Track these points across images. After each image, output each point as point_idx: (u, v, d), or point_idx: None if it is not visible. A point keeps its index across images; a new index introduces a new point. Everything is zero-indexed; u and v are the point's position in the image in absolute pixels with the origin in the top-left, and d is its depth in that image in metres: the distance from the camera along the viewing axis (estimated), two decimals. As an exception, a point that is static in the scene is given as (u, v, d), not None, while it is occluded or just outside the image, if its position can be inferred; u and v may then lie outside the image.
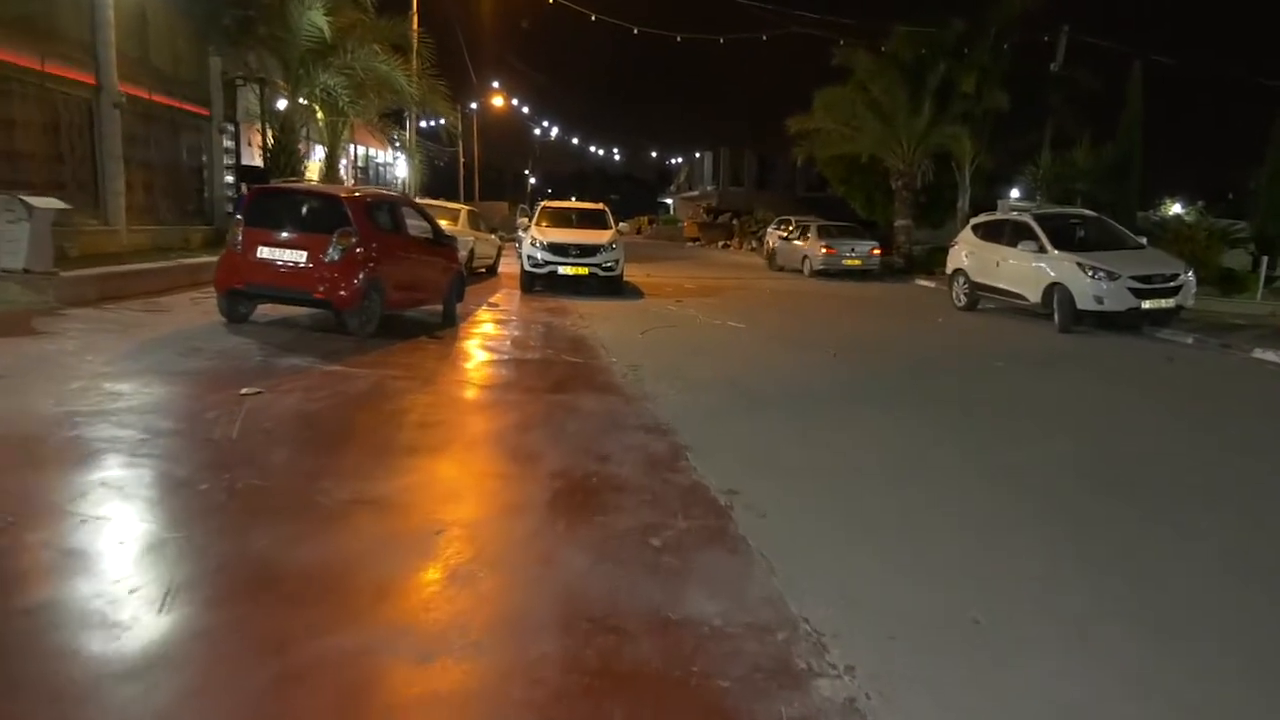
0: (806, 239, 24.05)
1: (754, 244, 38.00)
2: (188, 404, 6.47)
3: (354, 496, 4.70)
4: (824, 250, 22.93)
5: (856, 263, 22.86)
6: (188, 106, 16.79)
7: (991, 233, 15.68)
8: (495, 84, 49.54)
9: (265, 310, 10.46)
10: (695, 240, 46.22)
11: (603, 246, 16.54)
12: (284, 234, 9.50)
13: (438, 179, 49.52)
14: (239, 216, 9.84)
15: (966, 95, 22.25)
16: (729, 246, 41.03)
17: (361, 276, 9.50)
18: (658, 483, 5.31)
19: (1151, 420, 8.12)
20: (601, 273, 16.48)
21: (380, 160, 36.13)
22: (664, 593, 3.74)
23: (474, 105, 46.62)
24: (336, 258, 9.38)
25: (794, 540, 4.48)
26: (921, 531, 4.76)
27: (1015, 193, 25.97)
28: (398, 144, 33.97)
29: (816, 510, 5.06)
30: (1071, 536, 4.77)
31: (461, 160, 48.07)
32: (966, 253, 16.16)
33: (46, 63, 12.67)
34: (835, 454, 6.33)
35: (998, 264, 15.08)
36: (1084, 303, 13.11)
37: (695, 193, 64.98)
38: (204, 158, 17.73)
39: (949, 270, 16.96)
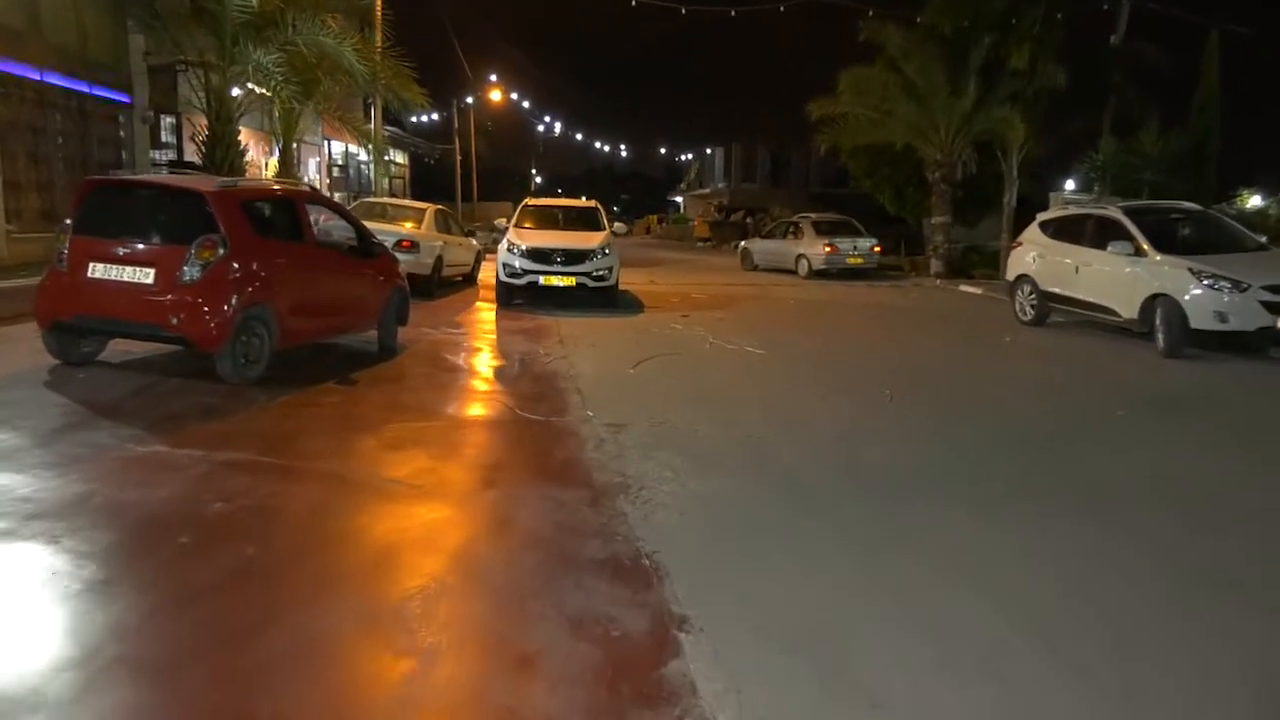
0: (799, 236, 22.53)
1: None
2: None
3: None
4: (826, 249, 21.39)
5: (859, 260, 21.59)
6: (99, 92, 14.13)
7: (1067, 230, 12.81)
8: (494, 77, 46.89)
9: (132, 345, 7.74)
10: (706, 240, 43.33)
11: (593, 252, 13.78)
12: (124, 245, 6.79)
13: (431, 177, 47.00)
14: (67, 221, 7.14)
15: (1016, 72, 19.34)
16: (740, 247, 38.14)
17: (233, 302, 6.79)
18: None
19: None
20: (591, 283, 13.72)
21: (365, 159, 33.45)
22: None
23: (470, 100, 43.96)
24: (195, 277, 6.66)
25: None
26: None
27: (1070, 184, 23.07)
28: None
29: None
30: None
31: (458, 158, 45.43)
32: (1034, 255, 13.29)
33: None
34: (974, 649, 3.53)
35: (1077, 270, 12.21)
36: (1200, 320, 10.24)
37: (706, 190, 62.11)
38: (123, 153, 15.07)
39: (1009, 276, 14.10)
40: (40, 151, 12.49)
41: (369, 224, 14.20)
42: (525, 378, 8.46)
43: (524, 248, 13.71)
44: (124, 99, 14.89)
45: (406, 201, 17.32)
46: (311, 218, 8.31)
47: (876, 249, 22.22)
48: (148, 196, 7.14)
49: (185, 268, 6.65)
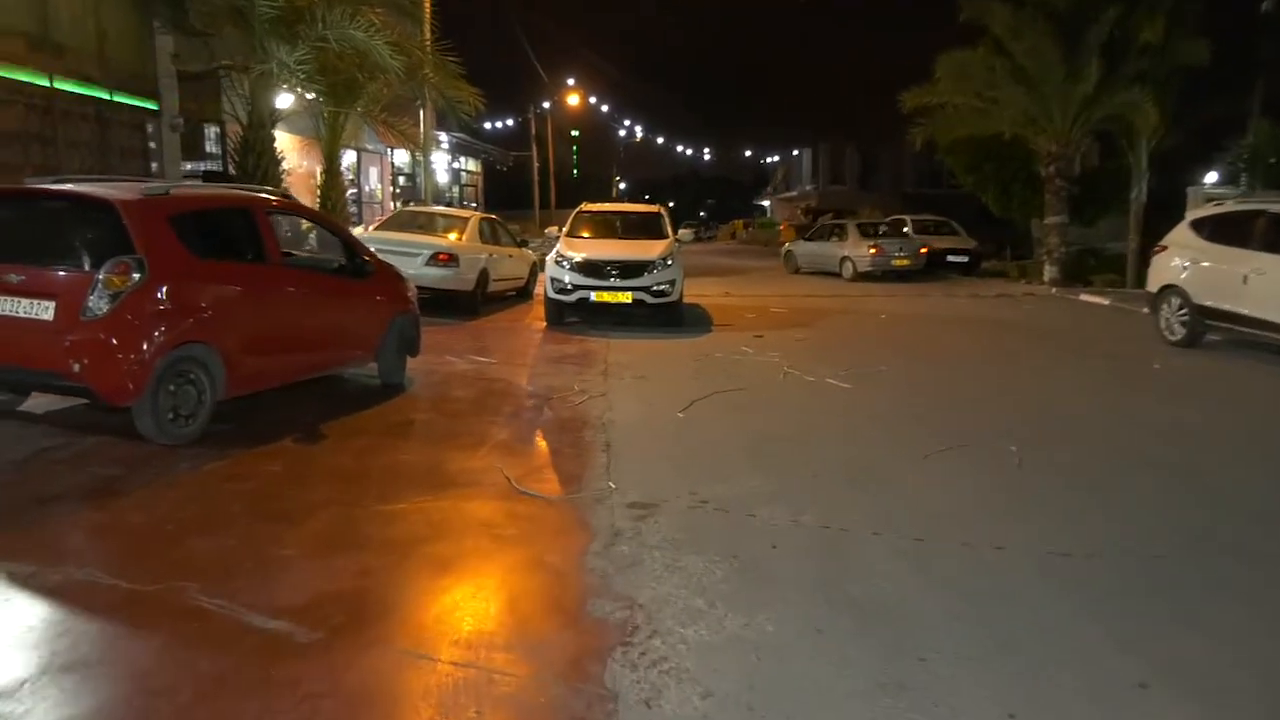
0: (843, 238, 21.92)
1: (859, 249, 32.71)
2: None
3: None
4: (871, 250, 20.93)
5: (905, 262, 20.94)
6: (121, 98, 13.09)
7: (1230, 231, 10.42)
8: (572, 81, 45.72)
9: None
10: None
11: (653, 263, 12.01)
12: (18, 270, 5.35)
13: (506, 185, 46.11)
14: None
15: (1146, 49, 16.75)
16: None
17: (153, 342, 5.28)
18: None
19: None
20: (651, 299, 11.96)
21: (435, 167, 32.46)
22: None
23: (547, 105, 42.81)
24: (102, 311, 5.17)
25: None
26: None
27: (1212, 177, 20.19)
28: (443, 144, 30.44)
29: None
30: None
31: (535, 164, 44.36)
32: (1184, 262, 10.92)
33: None
34: None
35: (1245, 279, 9.84)
36: None
37: (793, 193, 59.78)
38: (152, 164, 14.01)
39: (1151, 287, 11.72)
40: (49, 164, 11.44)
41: (405, 235, 12.99)
42: (545, 426, 6.75)
43: (574, 260, 12.04)
44: (150, 106, 13.84)
45: (448, 210, 15.91)
46: (281, 231, 6.82)
47: (923, 250, 21.53)
48: (52, 210, 5.68)
49: (90, 299, 5.16)
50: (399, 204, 24.34)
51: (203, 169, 16.42)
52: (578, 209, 13.95)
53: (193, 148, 17.11)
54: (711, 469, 5.71)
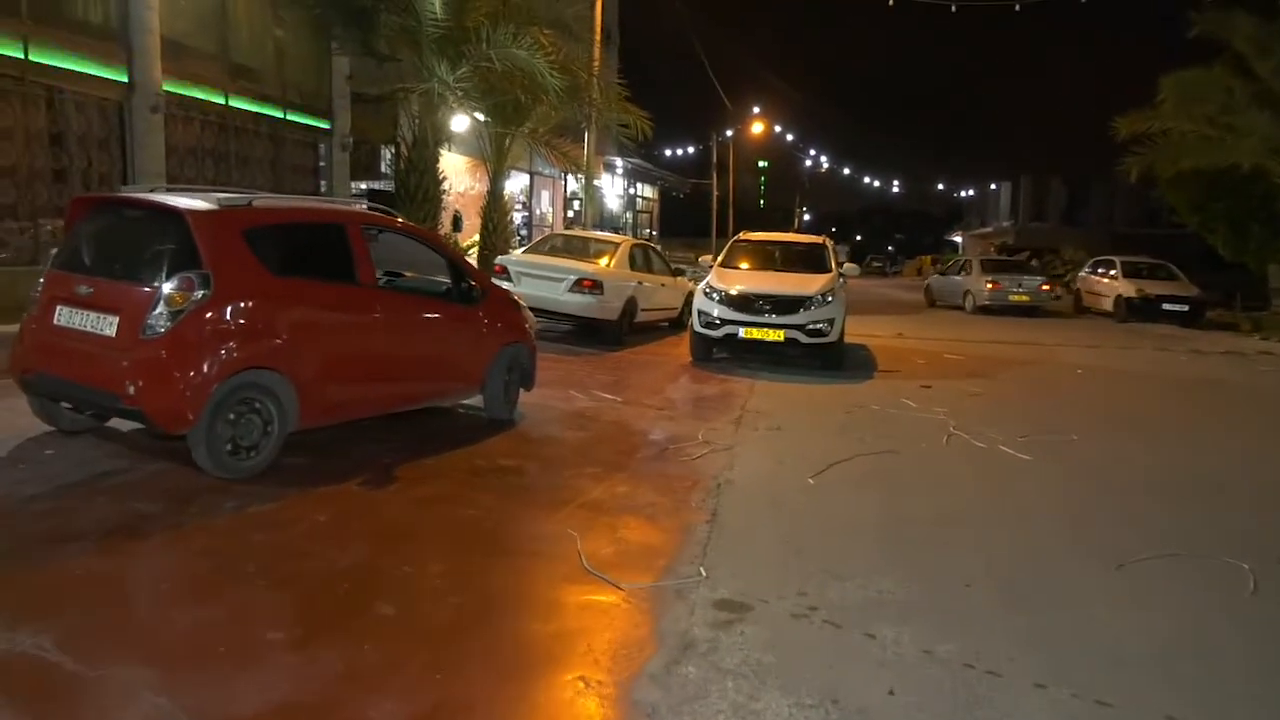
0: (968, 273, 22.93)
1: (1059, 291, 29.85)
2: None
3: None
4: (989, 285, 21.40)
5: (1024, 298, 21.20)
6: (295, 117, 13.43)
7: None
8: (756, 109, 44.92)
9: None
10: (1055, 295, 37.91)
11: (809, 299, 10.89)
12: (90, 283, 5.05)
13: (683, 212, 45.83)
14: (53, 251, 5.57)
15: None
16: (1025, 294, 32.87)
17: (211, 366, 4.82)
18: None
19: None
20: (805, 338, 10.82)
21: (615, 192, 32.49)
22: None
23: (729, 133, 42.21)
24: (161, 330, 4.76)
25: None
26: None
27: None
28: (618, 170, 30.33)
29: None
30: None
31: (715, 193, 43.83)
32: None
33: (32, 48, 9.43)
34: None
35: None
36: None
37: (989, 229, 56.15)
38: (321, 182, 14.33)
39: None
40: (221, 179, 11.81)
41: (551, 259, 12.52)
42: (649, 484, 5.84)
43: (723, 292, 11.11)
44: (323, 125, 14.18)
45: (600, 235, 15.33)
46: (386, 251, 6.31)
47: (1045, 287, 21.82)
48: (130, 220, 5.36)
49: (150, 317, 4.77)
50: (571, 229, 24.28)
51: (372, 187, 16.79)
52: (734, 238, 13.02)
53: (369, 168, 17.59)
54: (834, 559, 4.61)
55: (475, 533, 4.67)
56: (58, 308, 5.10)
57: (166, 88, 10.85)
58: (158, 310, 4.76)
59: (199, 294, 4.80)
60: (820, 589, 4.18)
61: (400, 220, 6.81)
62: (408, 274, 7.02)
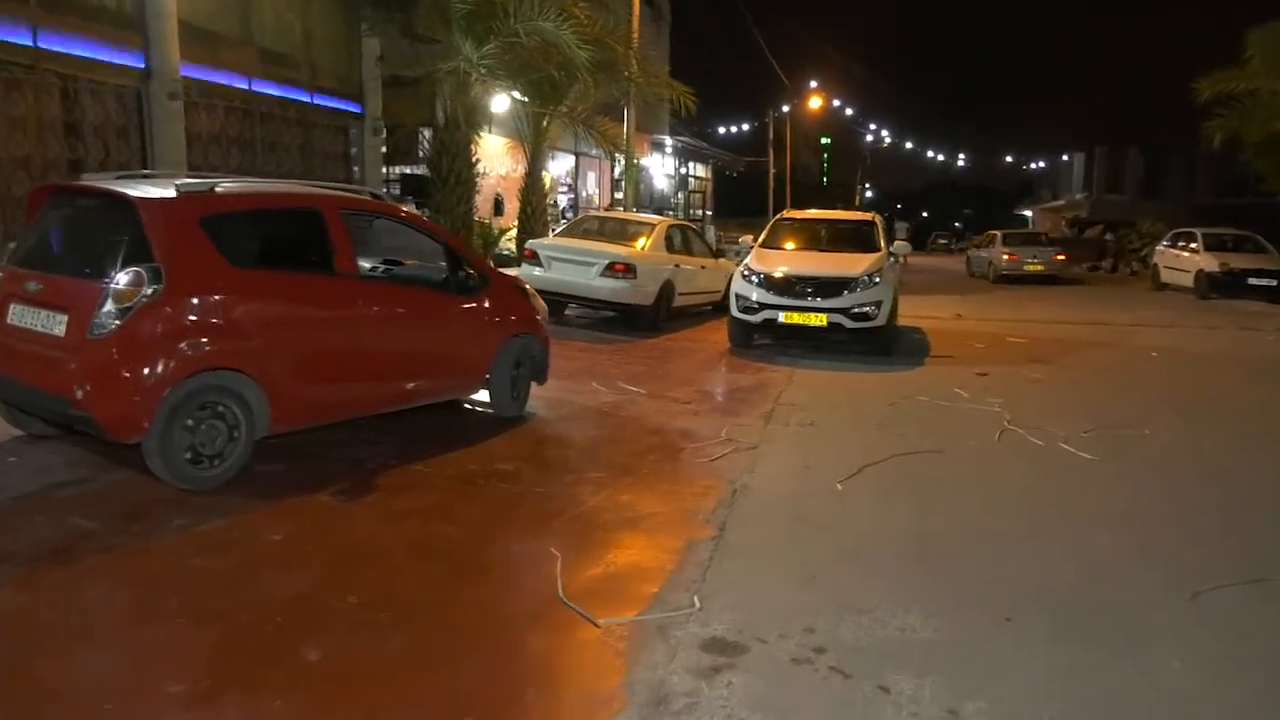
0: (993, 246, 25.36)
1: (1135, 266, 28.24)
2: None
3: None
4: (1005, 257, 24.12)
5: (1039, 267, 23.87)
6: (323, 101, 13.10)
7: None
8: (814, 84, 43.65)
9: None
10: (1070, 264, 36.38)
11: (854, 281, 10.15)
12: (42, 278, 4.68)
13: (740, 192, 44.81)
14: (11, 245, 5.23)
15: None
16: (1099, 269, 31.27)
17: (163, 367, 4.41)
18: None
19: None
20: (850, 323, 10.10)
21: (667, 173, 31.73)
22: None
23: (786, 108, 41.02)
24: (109, 329, 4.36)
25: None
26: None
27: None
28: (667, 149, 29.56)
29: None
30: None
31: (772, 171, 42.70)
32: None
33: (41, 36, 9.19)
34: None
35: None
36: None
37: (1061, 202, 53.80)
38: (354, 169, 14.01)
39: None
40: (245, 167, 11.54)
41: (583, 243, 11.96)
42: (654, 492, 5.29)
43: (763, 275, 10.44)
44: (354, 109, 13.84)
45: (637, 216, 14.70)
46: (373, 238, 5.85)
47: (1058, 257, 24.57)
48: (83, 210, 4.97)
49: (99, 314, 4.37)
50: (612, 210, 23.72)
51: (405, 173, 16.46)
52: (777, 216, 12.31)
53: (407, 152, 17.25)
54: (853, 585, 4.00)
55: (446, 554, 4.17)
56: (11, 306, 4.74)
57: (186, 74, 10.57)
58: (106, 308, 4.36)
59: (149, 289, 4.38)
60: (832, 625, 3.59)
61: (388, 204, 6.32)
62: (409, 262, 6.57)
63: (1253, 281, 18.65)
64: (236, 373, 4.69)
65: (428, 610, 3.58)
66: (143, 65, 10.17)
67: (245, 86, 11.71)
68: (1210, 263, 19.13)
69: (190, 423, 4.55)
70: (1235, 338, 13.57)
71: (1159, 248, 22.66)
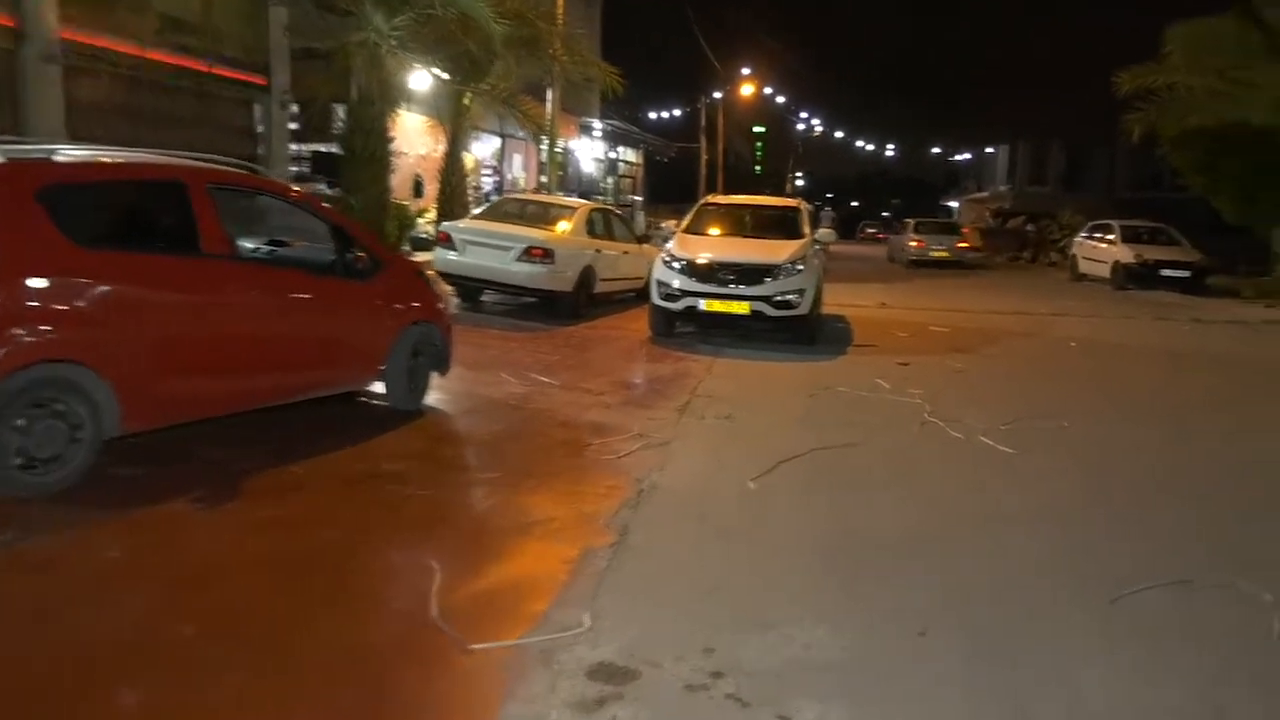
0: (904, 233, 27.61)
1: (1055, 256, 28.82)
2: None
3: None
4: (913, 244, 25.87)
5: (944, 254, 25.35)
6: (223, 71, 12.33)
7: None
8: (746, 71, 43.54)
9: None
10: (975, 251, 37.10)
11: (777, 268, 9.91)
12: None
13: (671, 179, 44.52)
14: None
15: None
16: (1020, 259, 31.87)
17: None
18: None
19: None
20: (772, 310, 9.85)
21: (597, 156, 31.22)
22: None
23: (717, 95, 40.80)
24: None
25: None
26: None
27: None
28: (596, 132, 29.08)
29: None
30: None
31: (704, 157, 42.47)
32: None
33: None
34: None
35: None
36: None
37: (985, 194, 54.89)
38: (259, 145, 13.25)
39: None
40: (136, 137, 10.73)
41: (500, 226, 11.47)
42: (554, 493, 4.91)
43: (685, 261, 10.14)
44: (258, 80, 13.07)
45: (558, 199, 14.28)
46: (256, 216, 5.33)
47: (961, 244, 26.29)
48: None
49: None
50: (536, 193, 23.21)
51: (318, 150, 15.70)
52: (700, 202, 12.02)
53: (320, 129, 16.44)
54: (757, 597, 3.70)
55: (310, 570, 3.74)
56: None
57: (66, 36, 9.75)
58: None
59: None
60: (732, 643, 3.27)
61: (267, 179, 5.81)
62: (297, 244, 6.05)
63: (1166, 273, 19.13)
64: (78, 365, 4.16)
65: (276, 640, 3.15)
66: (13, 25, 9.33)
67: (136, 53, 10.89)
68: (1126, 254, 19.54)
69: (21, 422, 4.01)
70: (1151, 328, 13.77)
71: (1077, 239, 23.11)
